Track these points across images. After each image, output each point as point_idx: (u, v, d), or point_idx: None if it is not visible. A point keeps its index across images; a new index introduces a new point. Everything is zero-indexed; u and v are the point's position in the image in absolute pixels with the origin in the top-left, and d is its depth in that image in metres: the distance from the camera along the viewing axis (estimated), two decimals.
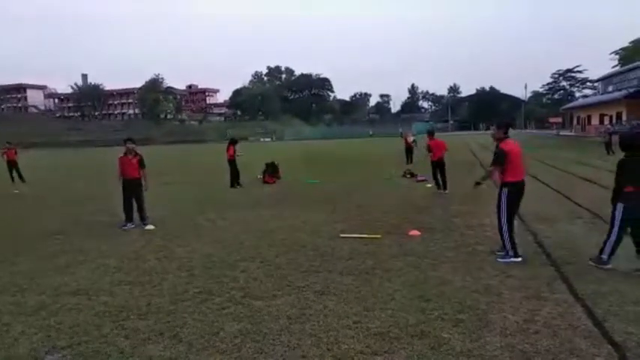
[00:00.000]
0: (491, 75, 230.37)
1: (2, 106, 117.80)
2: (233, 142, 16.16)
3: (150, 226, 8.81)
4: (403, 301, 4.66)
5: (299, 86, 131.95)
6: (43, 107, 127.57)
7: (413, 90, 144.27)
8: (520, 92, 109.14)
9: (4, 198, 14.77)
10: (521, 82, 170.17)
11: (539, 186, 12.39)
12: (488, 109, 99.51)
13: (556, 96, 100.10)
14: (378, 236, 7.47)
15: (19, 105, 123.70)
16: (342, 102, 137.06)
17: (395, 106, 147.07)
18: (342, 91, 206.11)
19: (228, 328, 4.12)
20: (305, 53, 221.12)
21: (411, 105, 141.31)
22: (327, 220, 9.01)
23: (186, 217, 9.96)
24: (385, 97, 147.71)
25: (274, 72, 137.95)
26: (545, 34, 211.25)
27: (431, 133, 13.83)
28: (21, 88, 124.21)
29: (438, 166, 12.81)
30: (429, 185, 13.76)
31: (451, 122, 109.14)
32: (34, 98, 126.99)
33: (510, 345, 3.63)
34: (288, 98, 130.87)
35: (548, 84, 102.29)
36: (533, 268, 5.52)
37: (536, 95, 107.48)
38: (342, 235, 7.61)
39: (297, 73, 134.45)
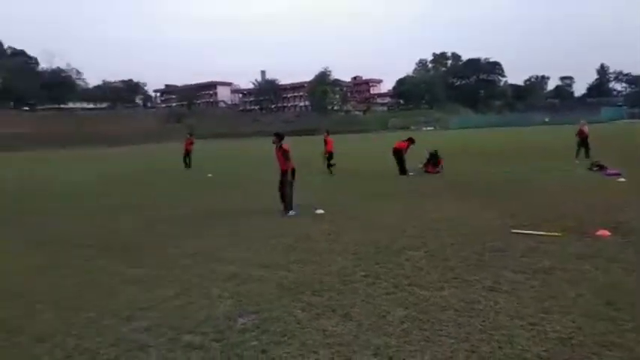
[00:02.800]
0: None
1: (198, 102, 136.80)
2: (411, 140, 16.43)
3: (320, 211, 9.40)
4: (588, 306, 4.19)
5: (466, 72, 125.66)
6: (229, 102, 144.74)
7: (602, 70, 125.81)
8: None
9: (199, 182, 17.26)
10: None
11: None
12: None
13: None
14: (558, 234, 6.79)
15: (211, 100, 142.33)
16: (515, 87, 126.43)
17: (579, 90, 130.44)
18: (515, 75, 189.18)
19: (395, 313, 4.22)
20: (473, 37, 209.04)
21: (599, 87, 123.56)
22: (496, 214, 8.50)
23: (352, 204, 10.38)
24: (567, 80, 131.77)
25: (440, 58, 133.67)
26: None
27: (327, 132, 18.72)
28: (212, 85, 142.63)
29: (330, 158, 17.61)
30: (622, 180, 11.97)
31: None
32: (223, 94, 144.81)
33: None
34: (454, 85, 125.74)
35: None
36: None
37: None
38: (513, 231, 7.11)
39: (465, 58, 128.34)
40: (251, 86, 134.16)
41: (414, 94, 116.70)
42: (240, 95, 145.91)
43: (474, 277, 5.12)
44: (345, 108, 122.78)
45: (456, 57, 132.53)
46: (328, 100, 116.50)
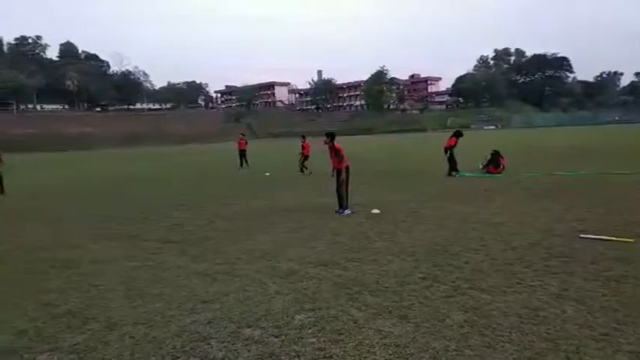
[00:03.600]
0: None
1: (257, 102, 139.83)
2: (458, 134, 15.83)
3: (376, 210, 9.35)
4: None
5: (530, 68, 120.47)
6: (287, 102, 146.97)
7: None
8: None
9: (257, 180, 17.65)
10: None
11: None
12: None
13: None
14: (631, 240, 6.36)
15: (269, 100, 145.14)
16: (584, 83, 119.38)
17: None
18: (585, 71, 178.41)
19: (454, 317, 4.12)
20: (537, 32, 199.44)
21: None
22: (561, 217, 8.09)
23: (408, 204, 10.22)
24: None
25: (502, 54, 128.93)
26: None
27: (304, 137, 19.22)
28: (270, 86, 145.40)
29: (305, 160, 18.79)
30: None
31: None
32: (280, 94, 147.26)
33: None
34: (517, 82, 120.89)
35: None
36: None
37: None
38: (582, 236, 6.74)
39: (529, 54, 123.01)
40: (308, 86, 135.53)
41: (474, 92, 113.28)
42: (297, 95, 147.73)
43: (539, 282, 4.91)
44: (401, 107, 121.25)
45: (519, 53, 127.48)
46: (384, 99, 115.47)
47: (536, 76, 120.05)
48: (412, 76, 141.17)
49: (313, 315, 4.33)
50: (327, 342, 3.77)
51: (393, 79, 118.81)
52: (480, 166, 16.04)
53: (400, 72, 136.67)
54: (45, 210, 12.00)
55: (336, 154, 9.50)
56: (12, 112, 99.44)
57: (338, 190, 9.56)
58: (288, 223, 8.76)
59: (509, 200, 10.22)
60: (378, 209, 9.43)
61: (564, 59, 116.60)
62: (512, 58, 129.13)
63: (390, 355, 3.51)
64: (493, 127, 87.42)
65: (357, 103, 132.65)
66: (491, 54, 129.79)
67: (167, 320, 4.38)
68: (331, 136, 9.66)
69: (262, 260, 6.27)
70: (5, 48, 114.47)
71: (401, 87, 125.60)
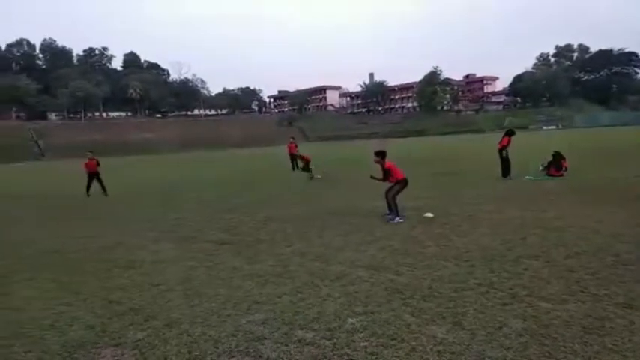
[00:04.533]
0: None
1: (308, 106, 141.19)
2: (510, 133, 15.26)
3: (429, 214, 9.17)
4: None
5: (595, 65, 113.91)
6: (338, 105, 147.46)
7: None
8: None
9: (308, 184, 17.80)
10: None
11: None
12: None
13: None
14: None
15: (321, 104, 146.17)
16: None
17: None
18: None
19: (511, 325, 3.98)
20: (602, 25, 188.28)
21: None
22: (629, 222, 7.59)
23: (463, 207, 9.95)
24: None
25: (563, 51, 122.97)
26: None
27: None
28: (322, 90, 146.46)
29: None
30: None
31: None
32: (332, 98, 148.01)
33: None
34: (580, 80, 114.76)
35: None
36: None
37: None
38: None
39: (593, 50, 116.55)
40: (359, 89, 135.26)
41: (533, 91, 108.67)
42: (348, 98, 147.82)
43: (604, 291, 4.64)
44: (455, 108, 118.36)
45: (582, 49, 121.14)
46: (438, 100, 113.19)
47: (601, 73, 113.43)
48: (467, 76, 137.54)
49: (365, 318, 4.32)
50: (379, 346, 3.75)
51: (446, 79, 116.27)
52: (541, 168, 15.36)
53: (454, 71, 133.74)
54: (107, 212, 12.70)
55: (385, 174, 9.23)
56: (80, 119, 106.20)
57: (387, 196, 9.42)
58: (339, 226, 8.79)
59: (571, 204, 9.72)
60: (432, 213, 9.25)
61: (633, 54, 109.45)
62: (575, 55, 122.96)
63: None
64: (554, 127, 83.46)
65: (410, 104, 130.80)
66: (552, 51, 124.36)
67: (223, 320, 4.52)
68: (382, 154, 9.24)
69: (314, 263, 6.32)
70: (75, 59, 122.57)
71: (455, 87, 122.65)
